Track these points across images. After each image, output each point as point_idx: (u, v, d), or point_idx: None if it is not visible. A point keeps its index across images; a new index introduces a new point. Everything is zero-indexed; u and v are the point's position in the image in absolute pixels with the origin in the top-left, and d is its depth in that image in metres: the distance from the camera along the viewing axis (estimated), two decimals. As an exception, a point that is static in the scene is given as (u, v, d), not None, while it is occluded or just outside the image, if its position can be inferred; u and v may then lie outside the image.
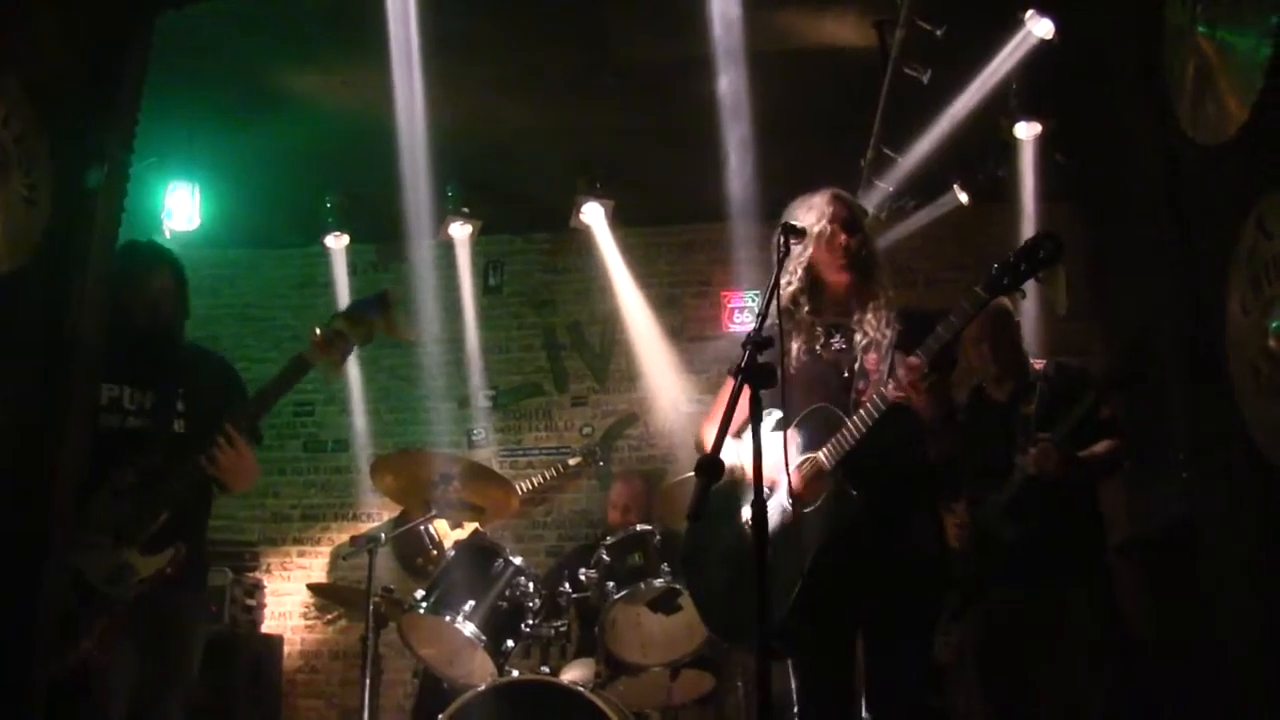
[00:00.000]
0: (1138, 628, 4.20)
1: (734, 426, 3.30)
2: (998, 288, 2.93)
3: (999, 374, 4.15)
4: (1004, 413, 4.10)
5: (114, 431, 3.23)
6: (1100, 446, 3.94)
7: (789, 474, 2.95)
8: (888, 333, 3.14)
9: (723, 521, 3.11)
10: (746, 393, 2.56)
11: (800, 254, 3.17)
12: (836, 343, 3.16)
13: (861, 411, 2.95)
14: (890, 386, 2.90)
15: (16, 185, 2.53)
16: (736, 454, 3.02)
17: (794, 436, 3.04)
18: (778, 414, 3.08)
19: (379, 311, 3.45)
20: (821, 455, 2.98)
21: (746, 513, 3.02)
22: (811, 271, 3.18)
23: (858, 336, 3.15)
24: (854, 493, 2.94)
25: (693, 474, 2.65)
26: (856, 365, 3.11)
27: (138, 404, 3.30)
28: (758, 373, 2.51)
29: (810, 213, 3.18)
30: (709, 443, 3.27)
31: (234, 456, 3.21)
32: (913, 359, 2.89)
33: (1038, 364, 4.18)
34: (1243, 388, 2.13)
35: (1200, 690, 4.07)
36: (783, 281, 3.21)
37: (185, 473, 3.19)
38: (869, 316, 3.16)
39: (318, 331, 3.39)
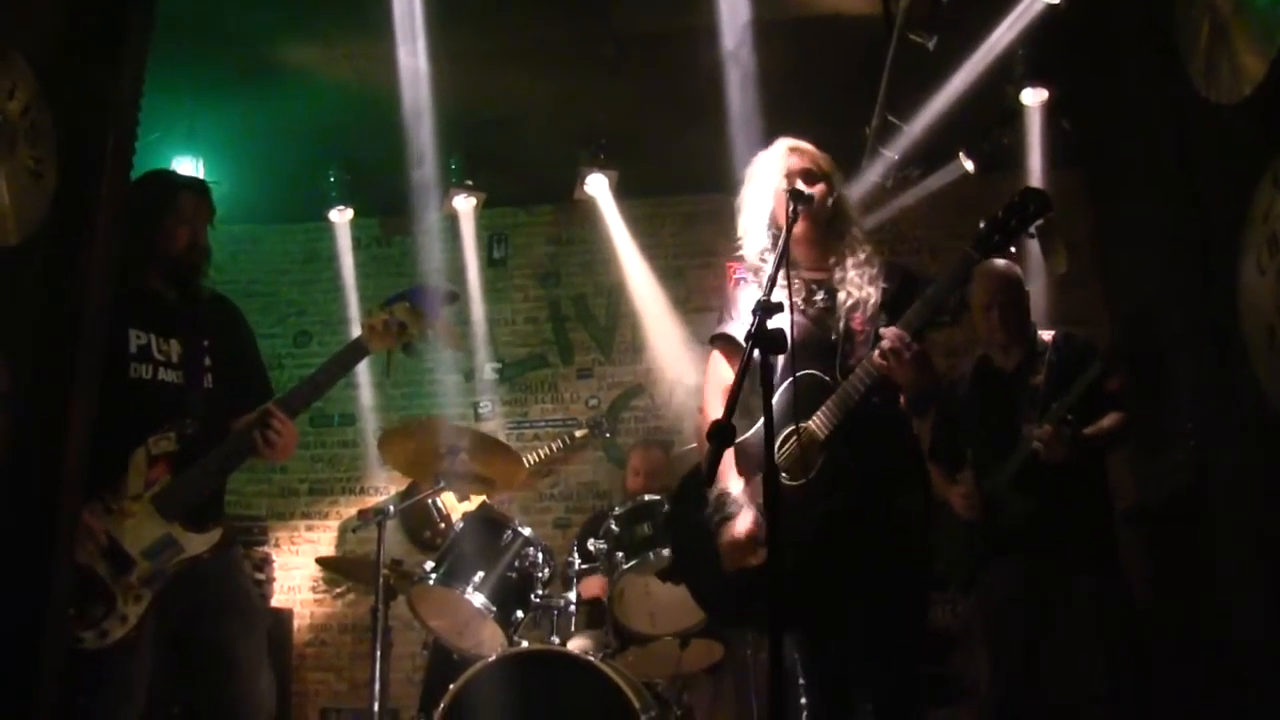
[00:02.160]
0: (1140, 596, 4.21)
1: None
2: (989, 246, 2.87)
3: (1006, 342, 4.11)
4: (1010, 382, 4.07)
5: (146, 383, 3.00)
6: (1106, 421, 3.92)
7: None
8: (872, 291, 3.01)
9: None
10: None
11: (761, 210, 3.11)
12: (821, 300, 3.04)
13: (853, 379, 2.86)
14: (875, 355, 2.82)
15: (23, 158, 2.52)
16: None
17: (780, 402, 2.83)
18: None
19: (440, 309, 3.24)
20: (814, 425, 2.88)
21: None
22: (775, 228, 3.08)
23: (841, 295, 3.02)
24: (851, 462, 2.88)
25: (696, 446, 2.60)
26: (842, 326, 2.98)
27: (166, 355, 3.06)
28: (768, 338, 2.42)
29: (768, 168, 3.11)
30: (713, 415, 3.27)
31: (285, 434, 3.02)
32: (895, 330, 2.80)
33: (1046, 335, 4.15)
34: (1257, 350, 2.10)
35: (1203, 660, 4.08)
36: (749, 241, 3.17)
37: (232, 450, 3.01)
38: (850, 274, 3.03)
39: (374, 315, 3.17)
